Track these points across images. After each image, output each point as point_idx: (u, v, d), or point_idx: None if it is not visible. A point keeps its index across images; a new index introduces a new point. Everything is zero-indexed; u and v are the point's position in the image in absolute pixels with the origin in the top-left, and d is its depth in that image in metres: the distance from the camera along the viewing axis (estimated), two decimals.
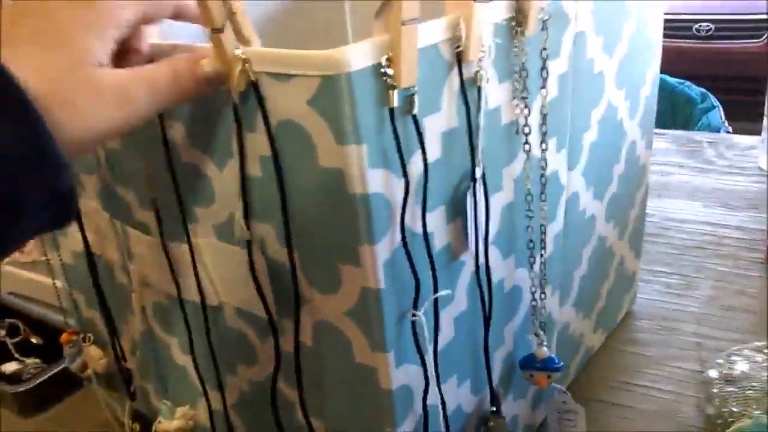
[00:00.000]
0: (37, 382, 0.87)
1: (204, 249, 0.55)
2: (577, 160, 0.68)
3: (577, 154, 0.68)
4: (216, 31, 0.42)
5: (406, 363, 0.51)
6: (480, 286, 0.54)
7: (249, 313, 0.57)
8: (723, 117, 2.18)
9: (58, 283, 0.92)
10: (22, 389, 0.86)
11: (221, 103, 0.47)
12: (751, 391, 0.73)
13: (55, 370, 0.89)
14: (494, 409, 0.60)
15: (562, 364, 0.62)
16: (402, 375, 0.51)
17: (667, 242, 1.06)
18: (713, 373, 0.78)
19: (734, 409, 0.73)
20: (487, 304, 0.55)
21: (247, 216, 0.49)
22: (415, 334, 0.49)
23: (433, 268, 0.49)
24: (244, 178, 0.48)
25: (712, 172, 1.28)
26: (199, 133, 0.51)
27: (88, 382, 0.80)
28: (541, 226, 0.58)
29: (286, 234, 0.48)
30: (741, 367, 0.76)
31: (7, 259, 1.20)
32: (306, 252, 0.48)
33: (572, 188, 0.68)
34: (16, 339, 1.01)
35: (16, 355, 0.97)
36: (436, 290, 0.49)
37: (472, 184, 0.51)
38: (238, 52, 0.43)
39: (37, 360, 0.96)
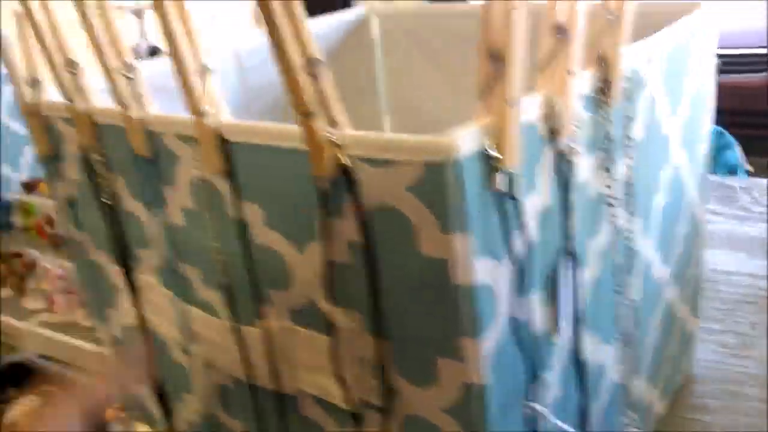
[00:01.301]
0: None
1: (278, 333, 0.52)
2: (648, 226, 0.65)
3: (648, 220, 0.65)
4: (307, 116, 0.39)
5: None
6: (576, 369, 0.50)
7: (328, 402, 0.53)
8: (742, 155, 2.15)
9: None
10: None
11: (304, 186, 0.44)
12: None
13: None
14: None
15: None
16: None
17: (716, 296, 1.02)
18: None
19: None
20: (583, 387, 0.51)
21: (331, 302, 0.46)
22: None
23: (535, 356, 0.45)
24: (328, 264, 0.45)
25: (750, 219, 1.25)
26: (277, 213, 0.48)
27: None
28: (632, 300, 0.54)
29: (375, 324, 0.44)
30: None
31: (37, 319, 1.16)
32: (398, 343, 0.45)
33: (646, 256, 0.64)
34: None
35: None
36: (539, 378, 0.45)
37: (567, 263, 0.47)
38: (329, 136, 0.40)
39: None
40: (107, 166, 0.58)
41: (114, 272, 0.66)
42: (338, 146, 0.40)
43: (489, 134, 0.38)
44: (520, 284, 0.43)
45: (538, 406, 0.46)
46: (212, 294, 0.56)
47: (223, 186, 0.49)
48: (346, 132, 0.40)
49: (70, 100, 0.56)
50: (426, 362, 0.44)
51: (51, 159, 0.64)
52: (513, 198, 0.41)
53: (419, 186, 0.38)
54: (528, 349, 0.44)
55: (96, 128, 0.57)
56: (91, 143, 0.58)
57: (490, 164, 0.39)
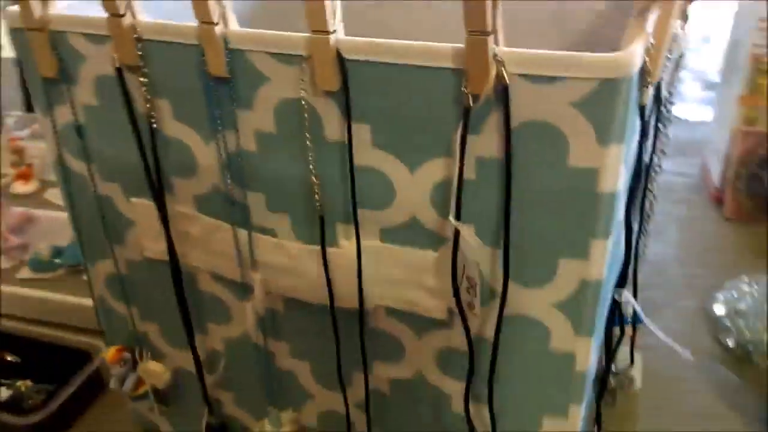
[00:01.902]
0: (56, 407, 0.76)
1: (370, 253, 0.52)
2: None
3: None
4: (481, 34, 0.40)
5: (595, 344, 0.52)
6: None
7: (406, 313, 0.55)
8: None
9: (83, 301, 0.82)
10: (37, 418, 0.75)
11: (426, 104, 0.44)
12: (760, 323, 0.84)
13: (72, 390, 0.78)
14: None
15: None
16: (593, 356, 0.52)
17: None
18: (720, 309, 0.88)
19: (749, 338, 0.83)
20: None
21: (457, 218, 0.47)
22: (620, 314, 0.51)
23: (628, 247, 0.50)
24: (461, 181, 0.46)
25: None
26: (389, 134, 0.47)
27: (137, 400, 0.72)
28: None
29: (498, 235, 0.47)
30: (742, 301, 0.87)
31: None
32: (518, 250, 0.48)
33: None
34: None
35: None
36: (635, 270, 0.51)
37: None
38: (496, 53, 0.41)
39: (28, 381, 0.84)
40: (150, 88, 0.53)
41: (126, 205, 0.61)
42: (502, 63, 0.41)
43: (645, 50, 0.41)
44: (634, 188, 0.48)
45: (625, 292, 0.52)
46: (278, 219, 0.54)
47: (326, 107, 0.47)
48: (512, 50, 0.41)
49: (115, 14, 0.49)
50: (546, 264, 0.48)
51: (54, 83, 0.57)
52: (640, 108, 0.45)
53: (586, 101, 0.41)
54: (628, 242, 0.50)
55: (140, 45, 0.51)
56: (132, 62, 0.52)
57: (644, 79, 0.42)
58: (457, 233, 0.47)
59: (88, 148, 0.59)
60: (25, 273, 1.01)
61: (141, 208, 0.60)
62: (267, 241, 0.55)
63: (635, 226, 0.58)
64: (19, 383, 0.83)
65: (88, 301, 0.94)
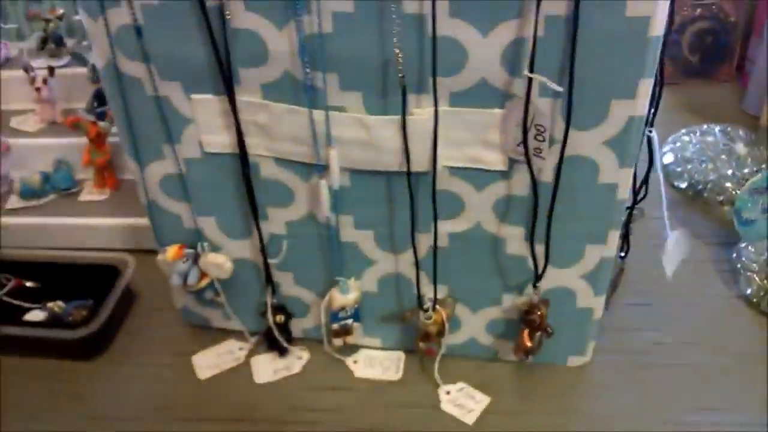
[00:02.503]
0: (104, 317, 0.79)
1: (441, 117, 0.59)
2: None
3: None
4: None
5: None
6: None
7: (469, 170, 0.63)
8: None
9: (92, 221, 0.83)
10: (89, 331, 0.78)
11: None
12: (705, 165, 0.99)
13: (114, 302, 0.81)
14: None
15: None
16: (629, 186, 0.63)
17: None
18: (668, 158, 1.02)
19: (697, 179, 0.98)
20: None
21: (531, 70, 0.55)
22: (650, 146, 0.62)
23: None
24: (536, 36, 0.53)
25: None
26: (462, 4, 0.54)
27: (198, 293, 0.76)
28: None
29: (570, 81, 0.55)
30: (686, 149, 1.02)
31: None
32: (577, 96, 0.56)
33: None
34: (6, 289, 0.88)
35: (25, 305, 0.86)
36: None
37: None
38: None
39: (59, 302, 0.85)
40: None
41: (186, 103, 0.64)
42: None
43: None
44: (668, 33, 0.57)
45: (653, 130, 0.62)
46: (351, 96, 0.60)
47: None
48: None
49: None
50: (600, 107, 0.57)
51: None
52: None
53: None
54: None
55: None
56: None
57: None
58: (529, 85, 0.55)
59: (146, 49, 0.61)
60: (14, 202, 0.99)
61: (203, 104, 0.64)
62: (344, 118, 0.61)
63: None
64: (50, 305, 0.85)
65: (94, 221, 0.96)
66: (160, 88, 0.64)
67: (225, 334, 0.82)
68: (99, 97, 1.04)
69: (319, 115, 0.61)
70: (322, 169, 0.65)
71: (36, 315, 0.84)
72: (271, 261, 0.73)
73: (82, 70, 1.07)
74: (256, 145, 0.66)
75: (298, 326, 0.79)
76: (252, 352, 0.80)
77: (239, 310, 0.79)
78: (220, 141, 0.66)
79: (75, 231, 0.96)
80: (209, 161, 0.68)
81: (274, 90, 0.62)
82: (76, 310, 0.83)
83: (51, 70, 1.06)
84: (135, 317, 0.87)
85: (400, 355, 0.78)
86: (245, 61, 0.60)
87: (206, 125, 0.65)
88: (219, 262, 0.73)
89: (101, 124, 0.97)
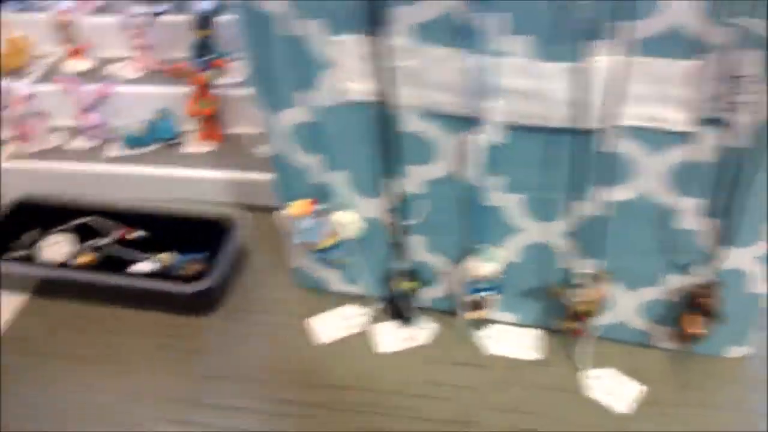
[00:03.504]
0: (220, 274, 0.76)
1: (618, 67, 0.52)
2: None
3: None
4: None
5: None
6: None
7: (646, 130, 0.56)
8: None
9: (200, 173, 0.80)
10: (204, 285, 0.75)
11: None
12: None
13: (229, 258, 0.78)
14: None
15: None
16: None
17: None
18: None
19: None
20: None
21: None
22: None
23: None
24: None
25: None
26: None
27: (322, 253, 0.72)
28: None
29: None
30: None
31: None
32: None
33: None
34: (110, 239, 0.85)
35: (133, 254, 0.83)
36: None
37: None
38: None
39: (171, 255, 0.82)
40: None
41: (325, 44, 0.59)
42: None
43: None
44: None
45: None
46: (522, 41, 0.54)
47: None
48: None
49: None
50: None
51: None
52: None
53: None
54: None
55: None
56: None
57: None
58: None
59: None
60: (115, 151, 0.97)
61: (345, 46, 0.59)
62: (513, 64, 0.55)
63: None
64: (160, 256, 0.82)
65: (198, 173, 0.93)
66: (299, 27, 0.59)
67: (342, 298, 0.78)
68: (202, 46, 0.99)
69: (480, 60, 0.55)
70: (476, 122, 0.59)
71: (144, 266, 0.81)
72: (404, 222, 0.68)
73: (182, 18, 1.03)
74: (401, 94, 0.60)
75: (425, 295, 0.74)
76: (373, 319, 0.75)
77: (361, 274, 0.74)
78: (361, 88, 0.61)
79: (178, 182, 0.93)
80: (347, 110, 0.63)
81: (429, 32, 0.56)
82: (188, 263, 0.80)
83: (153, 16, 1.02)
84: (245, 275, 0.83)
85: (538, 333, 0.72)
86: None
87: (347, 70, 0.60)
88: (349, 221, 0.69)
89: (207, 73, 0.93)
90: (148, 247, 0.85)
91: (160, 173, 0.93)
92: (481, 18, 0.53)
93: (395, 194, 0.66)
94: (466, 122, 0.59)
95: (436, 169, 0.64)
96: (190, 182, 0.93)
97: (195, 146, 0.97)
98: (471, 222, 0.66)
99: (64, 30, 1.06)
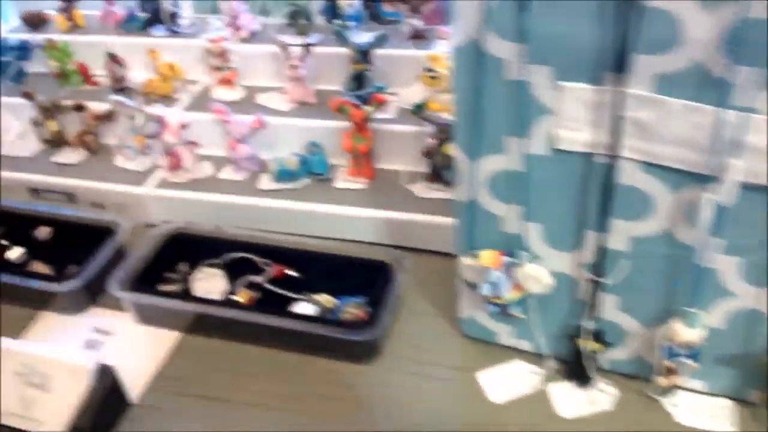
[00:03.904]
0: (384, 322, 0.74)
1: None
2: None
3: None
4: None
5: None
6: None
7: None
8: None
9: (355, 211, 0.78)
10: (376, 334, 0.72)
11: None
12: None
13: (390, 303, 0.76)
14: None
15: None
16: None
17: None
18: None
19: None
20: None
21: None
22: None
23: None
24: None
25: None
26: None
27: (497, 306, 0.69)
28: None
29: None
30: None
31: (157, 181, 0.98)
32: None
33: None
34: (263, 278, 0.84)
35: (289, 294, 0.82)
36: None
37: None
38: None
39: (326, 295, 0.81)
40: None
41: (549, 90, 0.57)
42: None
43: None
44: None
45: None
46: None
47: None
48: None
49: None
50: None
51: None
52: None
53: None
54: None
55: None
56: None
57: None
58: None
59: (524, 26, 0.54)
60: (266, 183, 0.97)
61: (572, 93, 0.56)
62: (760, 121, 0.51)
63: None
64: (319, 298, 0.80)
65: (351, 211, 0.91)
66: (524, 71, 0.56)
67: (511, 352, 0.74)
68: (358, 80, 0.99)
69: (725, 115, 0.52)
70: (708, 180, 0.55)
71: (304, 308, 0.80)
72: (599, 280, 0.64)
73: (336, 50, 1.03)
74: (625, 146, 0.57)
75: (607, 356, 0.70)
76: (547, 379, 0.71)
77: (538, 329, 0.71)
78: (581, 138, 0.58)
79: (330, 219, 0.92)
80: (558, 160, 0.60)
81: (673, 83, 0.53)
82: (350, 308, 0.78)
83: (307, 47, 1.02)
84: (404, 320, 0.81)
85: (733, 405, 0.67)
86: (645, 46, 0.52)
87: (569, 118, 0.57)
88: (539, 275, 0.66)
89: (366, 108, 0.92)
90: (301, 286, 0.83)
91: (311, 209, 0.92)
92: (732, 71, 0.50)
93: (594, 250, 0.63)
94: (695, 179, 0.56)
95: (648, 226, 0.60)
96: (343, 220, 0.92)
97: (346, 182, 0.96)
98: (679, 284, 0.62)
99: (215, 57, 1.07)
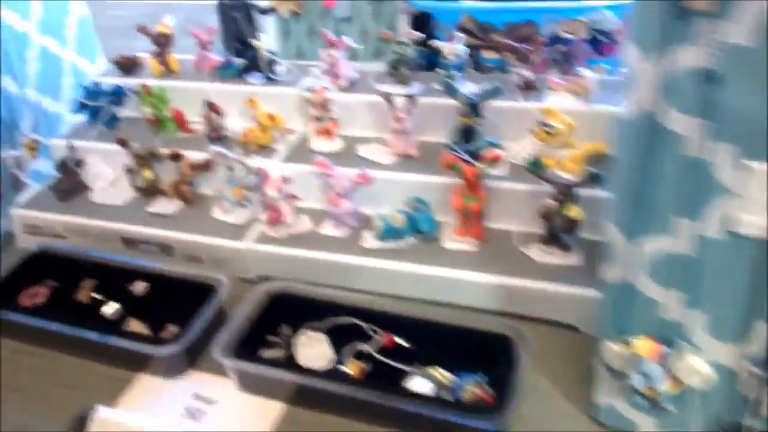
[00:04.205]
0: (510, 407, 0.68)
1: None
2: None
3: None
4: None
5: None
6: None
7: None
8: None
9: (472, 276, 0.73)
10: (500, 426, 0.67)
11: None
12: None
13: (514, 384, 0.70)
14: None
15: None
16: None
17: None
18: None
19: None
20: None
21: None
22: None
23: None
24: None
25: None
26: None
27: (643, 397, 0.62)
28: None
29: None
30: None
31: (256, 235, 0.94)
32: None
33: None
34: (371, 346, 0.79)
35: (400, 366, 0.76)
36: None
37: None
38: None
39: (446, 373, 0.75)
40: None
41: (730, 171, 0.51)
42: None
43: None
44: None
45: None
46: None
47: None
48: None
49: None
50: None
51: (687, 17, 0.46)
52: None
53: None
54: None
55: None
56: None
57: None
58: None
59: (709, 100, 0.49)
60: (370, 242, 0.92)
61: (759, 174, 0.50)
62: None
63: None
64: (434, 373, 0.75)
65: (462, 274, 0.86)
66: (706, 148, 0.51)
67: None
68: (466, 133, 0.94)
69: None
70: None
71: (419, 383, 0.74)
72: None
73: (438, 100, 0.99)
74: None
75: None
76: None
77: (688, 423, 0.64)
78: (763, 222, 0.52)
79: (438, 282, 0.87)
80: (734, 244, 0.54)
81: None
82: (470, 386, 0.72)
83: (411, 99, 0.98)
84: (524, 398, 0.75)
85: None
86: None
87: (752, 200, 0.52)
88: (701, 368, 0.59)
89: (480, 165, 0.87)
90: (410, 356, 0.78)
91: (418, 271, 0.88)
92: None
93: (764, 341, 0.56)
94: None
95: None
96: (452, 283, 0.86)
97: (455, 242, 0.91)
98: None
99: (315, 108, 1.04)
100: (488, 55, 1.15)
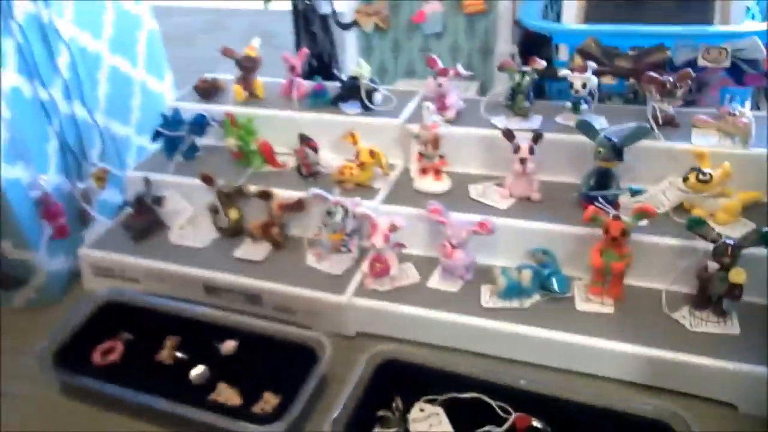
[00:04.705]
0: None
1: None
2: None
3: None
4: None
5: None
6: None
7: None
8: None
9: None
10: None
11: None
12: None
13: None
14: None
15: None
16: None
17: None
18: None
19: None
20: None
21: None
22: None
23: None
24: None
25: None
26: None
27: None
28: None
29: None
30: None
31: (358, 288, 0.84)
32: None
33: None
34: (503, 428, 0.68)
35: None
36: None
37: None
38: None
39: None
40: None
41: None
42: None
43: None
44: None
45: None
46: None
47: None
48: None
49: None
50: None
51: None
52: None
53: None
54: None
55: None
56: None
57: None
58: None
59: None
60: (489, 299, 0.81)
61: None
62: None
63: None
64: None
65: (597, 342, 0.75)
66: None
67: None
68: (602, 178, 0.83)
69: None
70: None
71: None
72: None
73: (561, 136, 0.88)
74: None
75: None
76: None
77: None
78: None
79: (570, 349, 0.76)
80: None
81: None
82: None
83: (537, 138, 0.86)
84: None
85: None
86: None
87: None
88: None
89: (627, 220, 0.75)
90: None
91: (547, 336, 0.77)
92: None
93: None
94: None
95: None
96: (587, 351, 0.76)
97: (589, 303, 0.79)
98: None
99: (425, 144, 0.92)
100: (606, 80, 1.03)
